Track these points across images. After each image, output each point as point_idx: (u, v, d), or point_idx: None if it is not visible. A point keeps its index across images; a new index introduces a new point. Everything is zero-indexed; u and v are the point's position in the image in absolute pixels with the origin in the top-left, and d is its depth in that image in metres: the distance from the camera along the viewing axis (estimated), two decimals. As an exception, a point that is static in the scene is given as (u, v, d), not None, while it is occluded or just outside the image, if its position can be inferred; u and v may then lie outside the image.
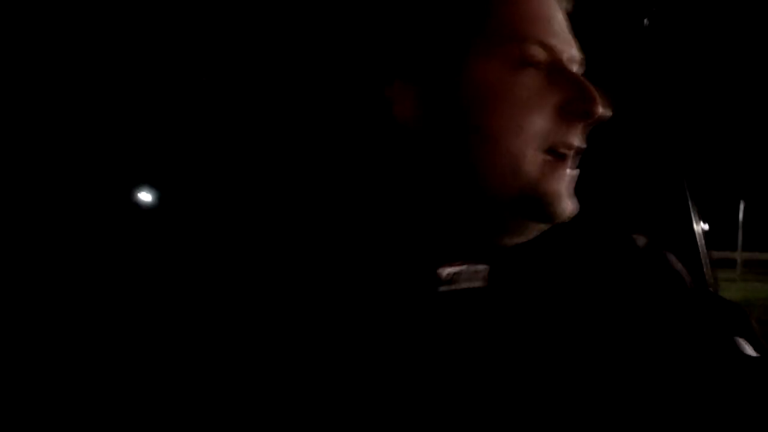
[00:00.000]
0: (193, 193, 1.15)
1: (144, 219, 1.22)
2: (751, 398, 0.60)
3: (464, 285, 0.62)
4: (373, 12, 0.68)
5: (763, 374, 0.60)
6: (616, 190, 1.19)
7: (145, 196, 1.22)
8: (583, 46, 1.13)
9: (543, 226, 0.62)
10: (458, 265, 0.62)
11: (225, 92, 1.14)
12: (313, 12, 0.94)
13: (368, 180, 0.67)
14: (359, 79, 0.67)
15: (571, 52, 0.63)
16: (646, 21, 1.14)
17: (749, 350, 0.62)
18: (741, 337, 0.63)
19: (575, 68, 0.63)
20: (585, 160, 1.11)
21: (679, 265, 0.70)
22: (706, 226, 1.24)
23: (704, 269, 1.18)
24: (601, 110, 0.60)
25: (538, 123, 0.59)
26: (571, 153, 0.61)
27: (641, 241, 0.70)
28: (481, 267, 0.63)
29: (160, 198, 1.21)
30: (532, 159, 0.59)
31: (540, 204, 0.60)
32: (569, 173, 0.61)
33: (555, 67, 0.61)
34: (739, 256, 16.54)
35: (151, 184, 1.22)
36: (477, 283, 0.63)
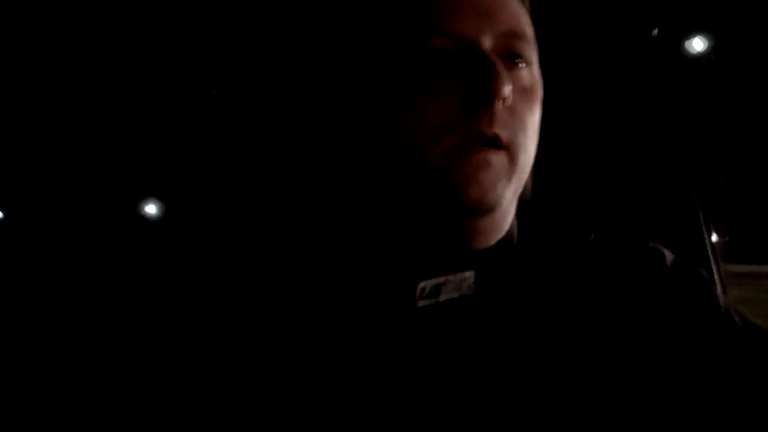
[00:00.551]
0: (191, 208, 1.16)
1: (148, 230, 1.23)
2: None
3: (451, 296, 0.61)
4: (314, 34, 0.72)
5: None
6: (624, 198, 1.18)
7: (151, 209, 1.23)
8: (593, 55, 1.13)
9: (481, 220, 0.60)
10: (439, 276, 0.61)
11: (228, 106, 1.15)
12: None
13: (341, 197, 0.69)
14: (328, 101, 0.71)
15: (485, 32, 0.59)
16: (655, 31, 1.13)
17: None
18: None
19: (490, 45, 0.59)
20: (593, 167, 1.09)
21: (712, 287, 0.64)
22: (715, 237, 1.22)
23: (717, 282, 1.16)
24: (500, 88, 0.56)
25: (443, 113, 0.58)
26: (485, 141, 0.58)
27: (669, 254, 0.66)
28: (467, 274, 0.61)
29: (164, 211, 1.22)
30: (437, 149, 0.58)
31: (446, 190, 0.58)
32: (482, 159, 0.58)
33: (462, 53, 0.58)
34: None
35: (157, 197, 1.23)
36: (465, 292, 0.61)
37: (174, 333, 0.66)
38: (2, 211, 1.18)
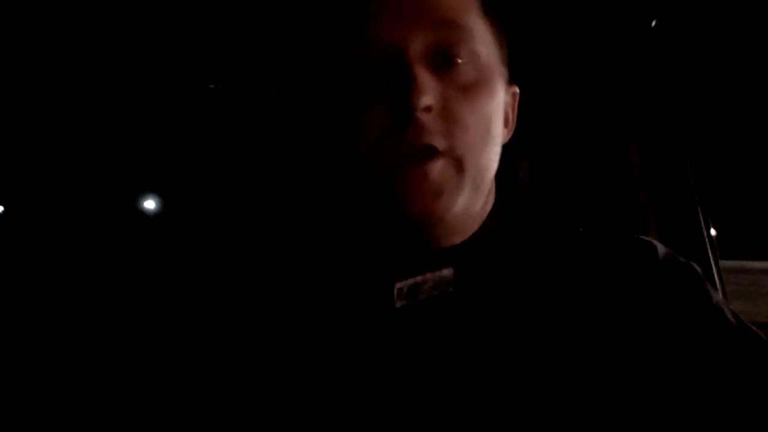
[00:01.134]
0: (190, 204, 1.17)
1: (147, 226, 1.23)
2: None
3: (430, 294, 0.59)
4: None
5: None
6: (622, 193, 1.17)
7: (149, 204, 1.24)
8: (591, 48, 1.12)
9: (435, 228, 0.60)
10: (416, 276, 0.59)
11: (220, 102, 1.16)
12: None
13: (316, 200, 0.69)
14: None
15: (411, 32, 0.57)
16: (654, 22, 1.12)
17: None
18: None
19: (418, 49, 0.57)
20: (591, 161, 1.08)
21: (704, 285, 0.63)
22: (713, 232, 1.21)
23: (715, 278, 1.15)
24: (417, 101, 0.54)
25: (373, 130, 0.57)
26: (419, 152, 0.56)
27: (661, 248, 0.65)
28: (445, 271, 0.60)
29: (163, 207, 1.23)
30: (379, 161, 0.57)
31: (390, 206, 0.58)
32: (419, 173, 0.56)
33: (387, 63, 0.57)
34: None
35: (155, 193, 1.23)
36: (445, 289, 0.60)
37: (167, 329, 0.66)
38: (2, 205, 1.18)
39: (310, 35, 0.65)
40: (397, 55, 0.56)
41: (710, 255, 1.16)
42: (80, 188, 1.20)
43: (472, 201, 0.61)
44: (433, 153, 0.56)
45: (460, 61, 0.58)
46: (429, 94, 0.55)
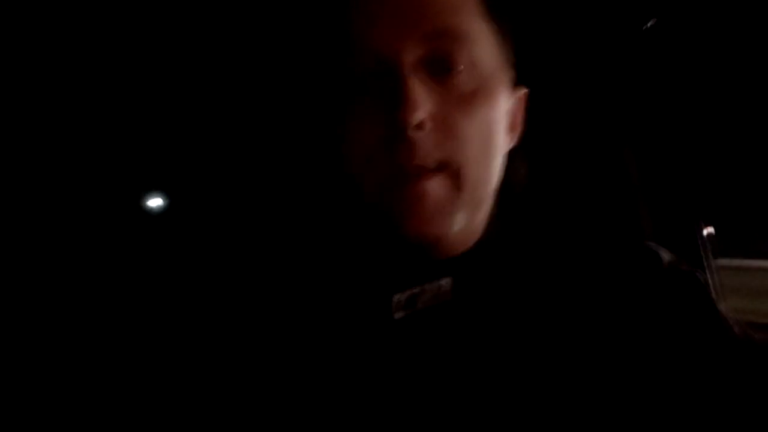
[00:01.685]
0: (193, 207, 1.17)
1: (152, 223, 1.24)
2: None
3: (428, 304, 0.58)
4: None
5: None
6: (617, 192, 1.18)
7: (154, 202, 1.24)
8: (586, 49, 1.12)
9: (434, 244, 0.57)
10: (415, 287, 0.58)
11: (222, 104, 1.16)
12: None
13: (317, 210, 0.69)
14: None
15: (406, 42, 0.53)
16: (649, 23, 1.12)
17: None
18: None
19: (413, 59, 0.53)
20: (585, 162, 1.09)
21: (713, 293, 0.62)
22: (711, 230, 1.22)
23: (710, 278, 1.16)
24: (407, 118, 0.51)
25: (367, 145, 0.54)
26: (412, 169, 0.53)
27: (666, 255, 0.63)
28: (444, 281, 0.58)
29: (168, 204, 1.23)
30: (372, 178, 0.55)
31: (387, 223, 0.55)
32: (417, 192, 0.54)
33: (382, 74, 0.54)
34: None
35: (161, 190, 1.24)
36: (443, 299, 0.58)
37: (169, 329, 0.66)
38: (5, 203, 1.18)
39: (303, 42, 0.63)
40: (390, 66, 0.53)
41: (704, 254, 1.16)
42: (82, 186, 1.21)
43: (471, 216, 0.58)
44: (430, 170, 0.54)
45: (458, 69, 0.55)
46: (421, 109, 0.52)
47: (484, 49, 0.57)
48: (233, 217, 1.10)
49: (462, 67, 0.55)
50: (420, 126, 0.52)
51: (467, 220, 0.58)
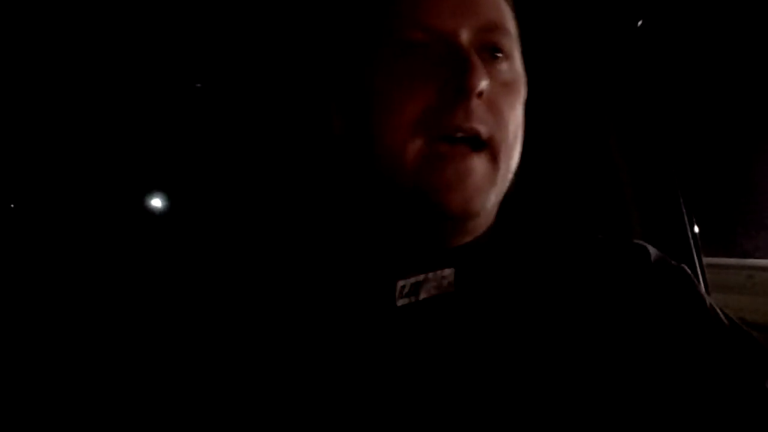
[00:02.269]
0: (193, 199, 1.17)
1: (153, 224, 1.23)
2: None
3: (431, 293, 0.59)
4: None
5: None
6: (605, 190, 1.18)
7: (156, 202, 1.24)
8: (577, 48, 1.13)
9: (463, 224, 0.59)
10: (417, 275, 0.59)
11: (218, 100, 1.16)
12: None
13: (323, 196, 0.69)
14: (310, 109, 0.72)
15: (463, 25, 0.57)
16: (639, 22, 1.13)
17: None
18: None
19: (467, 40, 0.57)
20: (575, 161, 1.09)
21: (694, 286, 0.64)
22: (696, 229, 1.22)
23: (699, 273, 1.17)
24: (475, 82, 0.54)
25: (418, 107, 0.56)
26: (461, 137, 0.56)
27: (653, 251, 0.65)
28: (447, 272, 0.60)
29: (169, 204, 1.23)
30: (414, 148, 0.56)
31: (426, 197, 0.57)
32: (464, 167, 0.56)
33: (440, 47, 0.57)
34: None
35: (162, 191, 1.23)
36: (445, 289, 0.60)
37: (169, 328, 0.66)
38: (12, 204, 1.18)
39: (351, 19, 0.64)
40: (449, 39, 0.56)
41: (693, 252, 1.17)
42: (84, 186, 1.20)
43: (495, 201, 0.61)
44: (477, 141, 0.56)
45: (501, 58, 0.59)
46: (486, 79, 0.55)
47: (517, 47, 0.62)
48: (238, 201, 1.09)
49: (504, 57, 0.60)
50: (480, 94, 0.55)
51: (494, 202, 0.60)
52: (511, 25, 0.61)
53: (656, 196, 1.18)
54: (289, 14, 1.00)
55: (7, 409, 0.96)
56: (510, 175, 0.62)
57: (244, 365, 0.59)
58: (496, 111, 0.57)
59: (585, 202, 1.16)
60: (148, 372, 0.68)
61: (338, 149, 0.65)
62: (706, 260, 1.22)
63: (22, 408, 0.97)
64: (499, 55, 0.59)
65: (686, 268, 0.65)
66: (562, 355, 0.57)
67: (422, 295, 0.59)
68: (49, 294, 1.10)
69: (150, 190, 1.26)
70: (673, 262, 0.66)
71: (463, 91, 0.55)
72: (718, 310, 0.62)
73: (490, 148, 0.57)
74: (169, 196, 1.25)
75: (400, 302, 0.59)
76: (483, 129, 0.56)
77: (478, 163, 0.56)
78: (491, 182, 0.58)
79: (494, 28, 0.59)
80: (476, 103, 0.55)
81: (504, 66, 0.59)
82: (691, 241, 1.16)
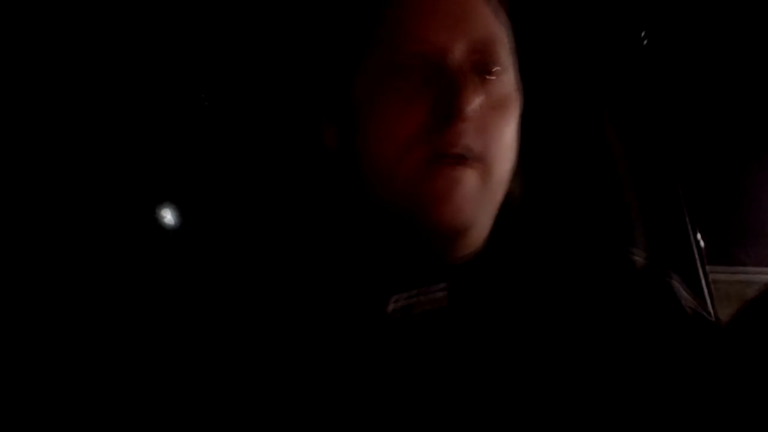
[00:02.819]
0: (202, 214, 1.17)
1: (163, 237, 1.24)
2: None
3: (424, 309, 0.59)
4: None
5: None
6: (606, 198, 1.18)
7: (167, 216, 1.24)
8: (581, 56, 1.13)
9: (455, 238, 0.60)
10: (412, 290, 0.60)
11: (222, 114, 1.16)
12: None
13: (318, 208, 0.69)
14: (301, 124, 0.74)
15: (457, 40, 0.57)
16: (643, 33, 1.13)
17: None
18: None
19: (460, 57, 0.57)
20: (578, 169, 1.09)
21: (683, 293, 0.65)
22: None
23: (703, 285, 1.16)
24: (464, 105, 0.54)
25: (409, 127, 0.56)
26: (453, 156, 0.56)
27: (640, 259, 0.67)
28: (440, 286, 0.60)
29: (181, 218, 1.23)
30: (405, 165, 0.57)
31: (417, 210, 0.57)
32: (452, 176, 0.56)
33: (432, 64, 0.57)
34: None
35: (173, 204, 1.24)
36: (438, 305, 0.60)
37: (174, 335, 0.65)
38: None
39: (344, 31, 0.64)
40: (441, 58, 0.56)
41: (697, 260, 1.17)
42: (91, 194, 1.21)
43: (488, 215, 0.61)
44: (468, 158, 0.56)
45: (494, 76, 0.59)
46: (476, 101, 0.55)
47: (510, 59, 0.62)
48: (234, 214, 1.10)
49: (498, 74, 0.59)
50: (471, 115, 0.55)
51: (484, 217, 0.60)
52: (505, 39, 0.61)
53: (660, 208, 1.18)
54: (284, 25, 1.01)
55: (7, 408, 0.97)
56: (502, 191, 0.62)
57: (234, 380, 0.59)
58: (487, 130, 0.58)
59: (588, 212, 1.16)
60: (147, 372, 0.68)
61: (330, 162, 0.65)
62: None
63: (22, 408, 0.97)
64: (493, 72, 0.59)
65: (671, 275, 0.66)
66: (552, 370, 0.58)
67: (415, 311, 0.59)
68: (50, 294, 1.10)
69: (157, 201, 1.26)
70: (658, 268, 0.67)
71: (453, 113, 0.55)
72: (701, 313, 0.64)
73: (481, 164, 0.57)
74: (171, 206, 1.26)
75: (393, 317, 0.59)
76: (473, 148, 0.56)
77: (468, 177, 0.57)
78: (481, 196, 0.58)
79: (488, 43, 0.58)
80: (466, 125, 0.56)
81: (497, 83, 0.59)
82: (696, 252, 1.16)
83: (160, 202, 1.23)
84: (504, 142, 0.59)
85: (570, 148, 1.17)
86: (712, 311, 1.05)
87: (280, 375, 0.58)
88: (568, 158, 1.17)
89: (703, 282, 1.16)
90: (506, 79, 0.60)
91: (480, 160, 0.57)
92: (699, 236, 1.20)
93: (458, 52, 0.57)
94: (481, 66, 0.58)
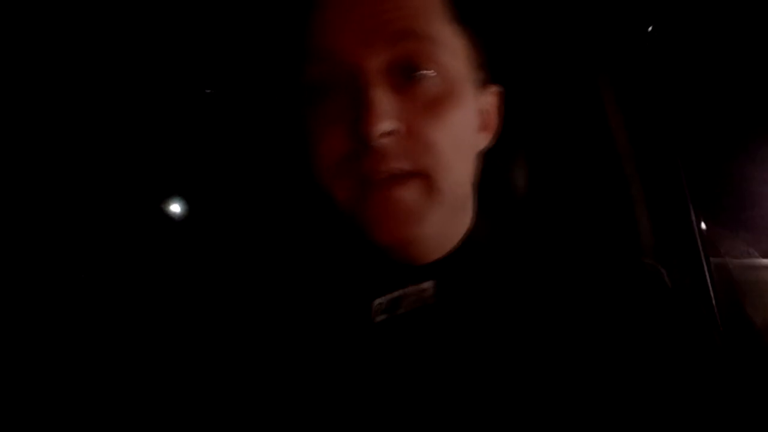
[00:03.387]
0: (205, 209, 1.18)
1: (170, 230, 1.24)
2: None
3: (411, 307, 0.59)
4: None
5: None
6: (613, 191, 1.18)
7: (175, 208, 1.24)
8: (587, 53, 1.13)
9: (410, 248, 0.58)
10: (397, 291, 0.59)
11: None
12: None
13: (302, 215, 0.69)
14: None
15: (369, 45, 0.52)
16: (650, 28, 1.14)
17: None
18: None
19: (376, 68, 0.53)
20: (582, 163, 1.10)
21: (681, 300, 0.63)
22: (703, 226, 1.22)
23: (706, 280, 1.16)
24: (372, 129, 0.51)
25: (335, 154, 0.54)
26: (382, 177, 0.53)
27: (630, 262, 0.65)
28: (427, 284, 0.59)
29: (189, 210, 1.23)
30: (341, 188, 0.55)
31: (362, 228, 0.56)
32: (388, 197, 0.53)
33: (346, 83, 0.53)
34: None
35: (181, 196, 1.24)
36: (426, 302, 0.59)
37: (168, 331, 0.67)
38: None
39: (262, 49, 0.63)
40: (353, 74, 0.53)
41: (701, 250, 1.17)
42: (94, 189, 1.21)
43: (448, 219, 0.59)
44: (398, 176, 0.53)
45: (423, 73, 0.55)
46: (386, 120, 0.52)
47: (450, 52, 0.56)
48: (209, 227, 1.10)
49: (427, 70, 0.55)
50: (387, 135, 0.52)
51: (444, 223, 0.58)
52: (436, 27, 0.55)
53: (664, 199, 1.18)
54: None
55: (8, 408, 0.97)
56: (462, 191, 0.59)
57: (221, 383, 0.60)
58: (419, 138, 0.54)
59: (591, 205, 1.17)
60: (142, 374, 0.69)
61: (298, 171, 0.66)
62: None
63: (22, 407, 0.98)
64: (418, 72, 0.55)
65: (662, 269, 0.65)
66: (541, 366, 0.57)
67: (401, 310, 0.59)
68: (51, 294, 1.11)
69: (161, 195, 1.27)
70: (648, 267, 0.65)
71: (364, 138, 0.52)
72: (672, 294, 0.62)
73: (420, 176, 0.55)
74: (164, 204, 1.26)
75: (378, 318, 0.59)
76: (405, 164, 0.54)
77: (406, 193, 0.54)
78: (428, 206, 0.55)
79: (409, 38, 0.54)
80: (387, 143, 0.52)
81: (428, 81, 0.55)
82: (699, 243, 1.17)
83: (146, 208, 1.25)
84: (445, 146, 0.55)
85: (573, 140, 1.18)
86: (713, 302, 1.07)
87: (268, 375, 0.59)
88: (571, 152, 1.17)
89: (706, 271, 1.17)
90: (439, 75, 0.56)
91: (418, 173, 0.54)
92: (703, 225, 1.21)
93: (373, 59, 0.53)
94: (405, 67, 0.54)
